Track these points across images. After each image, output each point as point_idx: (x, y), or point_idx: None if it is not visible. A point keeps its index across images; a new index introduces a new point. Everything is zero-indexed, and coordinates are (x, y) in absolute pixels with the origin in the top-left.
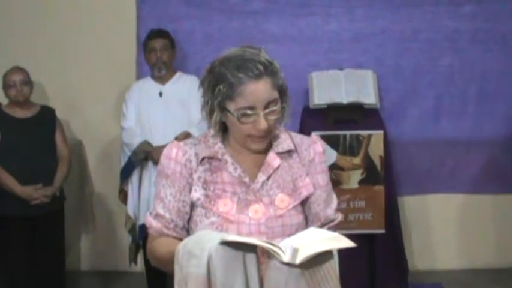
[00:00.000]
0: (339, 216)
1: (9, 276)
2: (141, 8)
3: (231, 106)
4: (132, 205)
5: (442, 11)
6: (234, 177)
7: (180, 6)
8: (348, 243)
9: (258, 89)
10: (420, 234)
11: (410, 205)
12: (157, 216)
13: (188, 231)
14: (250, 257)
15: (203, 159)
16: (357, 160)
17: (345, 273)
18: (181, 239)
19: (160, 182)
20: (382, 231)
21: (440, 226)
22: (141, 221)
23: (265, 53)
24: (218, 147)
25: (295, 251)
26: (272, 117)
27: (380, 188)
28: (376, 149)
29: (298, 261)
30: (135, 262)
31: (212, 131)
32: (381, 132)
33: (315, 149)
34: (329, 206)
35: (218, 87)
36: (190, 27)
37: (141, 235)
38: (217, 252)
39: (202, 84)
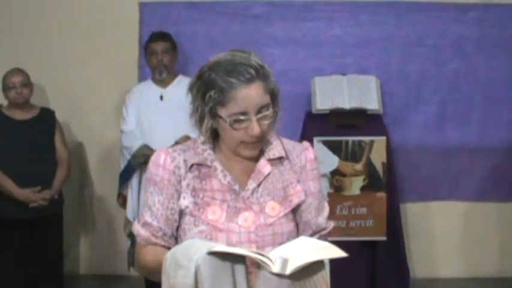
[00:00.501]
0: (331, 225)
1: (6, 279)
2: (144, 11)
3: (223, 112)
4: (131, 209)
5: (448, 16)
6: (223, 185)
7: (182, 10)
8: (339, 254)
9: (250, 94)
10: (423, 241)
11: (413, 212)
12: (145, 224)
13: (177, 239)
14: (239, 268)
15: (192, 166)
16: (359, 166)
17: (346, 280)
18: (169, 248)
19: (148, 189)
20: (384, 238)
21: (443, 234)
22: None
23: (255, 56)
24: (207, 153)
25: (285, 262)
26: (265, 122)
27: (382, 195)
28: (378, 155)
29: (288, 271)
30: (134, 266)
31: (202, 138)
32: (384, 138)
33: (307, 155)
34: (320, 214)
35: (209, 93)
36: (193, 30)
37: None
38: (205, 262)
39: (191, 90)
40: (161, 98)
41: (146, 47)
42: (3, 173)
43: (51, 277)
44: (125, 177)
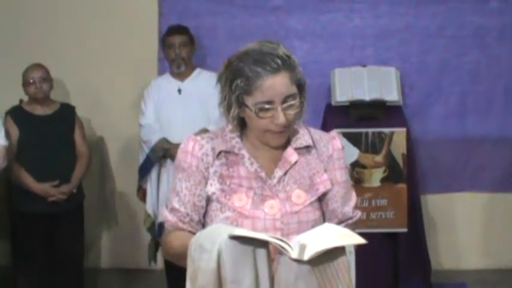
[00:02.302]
0: (358, 214)
1: (28, 273)
2: (163, 4)
3: (249, 101)
4: (150, 203)
5: (468, 7)
6: (250, 172)
7: (202, 3)
8: (359, 240)
9: (276, 84)
10: (445, 233)
11: (435, 204)
12: (172, 210)
13: (204, 225)
14: (260, 252)
15: (220, 153)
16: (379, 158)
17: (368, 271)
18: (195, 234)
19: (177, 175)
20: (405, 230)
21: (465, 225)
22: (160, 219)
23: (283, 47)
24: (235, 141)
25: (302, 247)
26: (291, 112)
27: (403, 187)
28: (398, 146)
29: (306, 257)
30: (155, 260)
31: (230, 126)
32: (404, 129)
33: (334, 145)
34: (347, 203)
35: (235, 82)
36: (212, 23)
37: (159, 233)
38: (227, 246)
39: (219, 79)
40: (179, 91)
41: (164, 41)
42: (24, 169)
43: (73, 271)
44: (144, 171)
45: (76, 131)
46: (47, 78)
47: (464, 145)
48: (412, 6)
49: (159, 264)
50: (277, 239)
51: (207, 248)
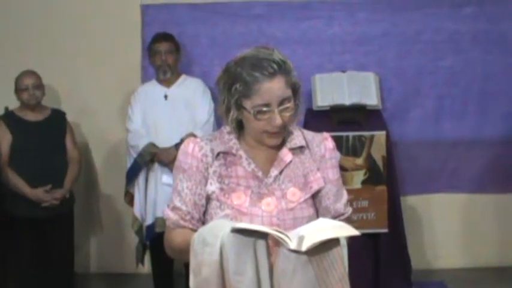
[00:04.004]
0: (349, 210)
1: (18, 277)
2: (146, 13)
3: (247, 104)
4: (138, 206)
5: (443, 12)
6: (247, 172)
7: (184, 11)
8: (353, 232)
9: (273, 87)
10: (423, 233)
11: (414, 204)
12: (174, 208)
13: (204, 223)
14: (260, 244)
15: (218, 154)
16: (359, 161)
17: (350, 271)
18: (196, 230)
19: (178, 176)
20: (386, 230)
21: (443, 225)
22: (147, 222)
23: (278, 53)
24: (233, 143)
25: (301, 239)
26: (286, 114)
27: (383, 188)
28: (378, 149)
29: (304, 248)
30: (142, 263)
31: (228, 128)
32: (383, 132)
33: (326, 145)
34: (339, 200)
35: (234, 86)
36: (195, 31)
37: (148, 236)
38: (229, 239)
39: (217, 83)
40: (165, 97)
41: (150, 48)
42: (16, 174)
43: (63, 276)
44: (132, 175)
45: (67, 137)
46: (40, 85)
47: (441, 147)
48: (389, 13)
49: (146, 267)
50: (277, 231)
51: (210, 242)
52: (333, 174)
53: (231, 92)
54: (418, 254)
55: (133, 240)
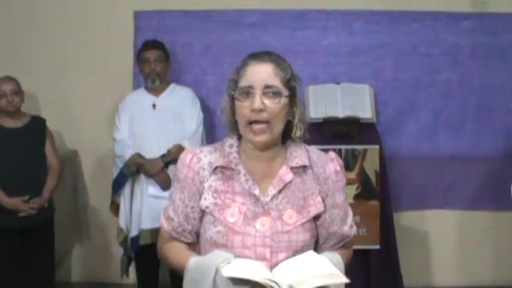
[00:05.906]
0: (354, 229)
1: None
2: (139, 19)
3: (236, 92)
4: (124, 217)
5: (441, 25)
6: (244, 189)
7: (177, 18)
8: (343, 280)
9: (259, 71)
10: (417, 250)
11: (407, 220)
12: (168, 218)
13: (198, 236)
14: None
15: (216, 168)
16: (352, 175)
17: None
18: (190, 243)
19: (174, 184)
20: (377, 246)
21: (438, 242)
22: (132, 234)
23: (279, 55)
24: (233, 156)
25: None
26: (271, 104)
27: (375, 203)
28: (371, 163)
29: None
30: (127, 274)
31: (230, 140)
32: (377, 147)
33: (331, 167)
34: (345, 222)
35: (231, 76)
36: (188, 38)
37: (132, 247)
38: (223, 283)
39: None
40: (154, 106)
41: (139, 55)
42: None
43: (44, 285)
44: (118, 185)
45: (47, 144)
46: (18, 92)
47: (437, 162)
48: (386, 24)
49: (131, 278)
50: (268, 279)
51: (199, 281)
52: (339, 197)
53: (229, 84)
54: (411, 271)
55: (118, 249)
